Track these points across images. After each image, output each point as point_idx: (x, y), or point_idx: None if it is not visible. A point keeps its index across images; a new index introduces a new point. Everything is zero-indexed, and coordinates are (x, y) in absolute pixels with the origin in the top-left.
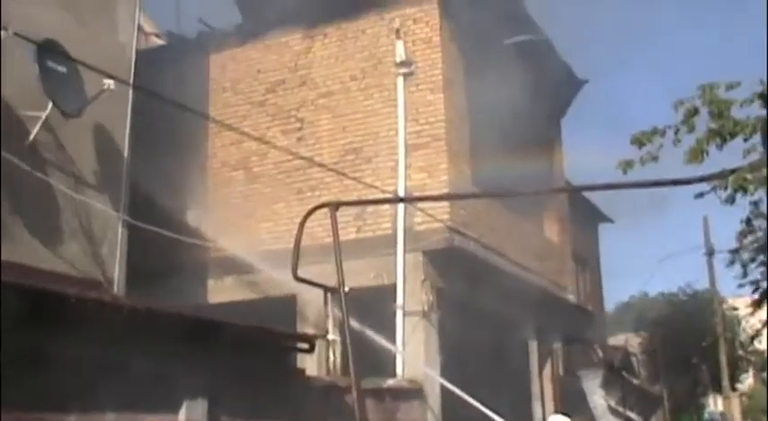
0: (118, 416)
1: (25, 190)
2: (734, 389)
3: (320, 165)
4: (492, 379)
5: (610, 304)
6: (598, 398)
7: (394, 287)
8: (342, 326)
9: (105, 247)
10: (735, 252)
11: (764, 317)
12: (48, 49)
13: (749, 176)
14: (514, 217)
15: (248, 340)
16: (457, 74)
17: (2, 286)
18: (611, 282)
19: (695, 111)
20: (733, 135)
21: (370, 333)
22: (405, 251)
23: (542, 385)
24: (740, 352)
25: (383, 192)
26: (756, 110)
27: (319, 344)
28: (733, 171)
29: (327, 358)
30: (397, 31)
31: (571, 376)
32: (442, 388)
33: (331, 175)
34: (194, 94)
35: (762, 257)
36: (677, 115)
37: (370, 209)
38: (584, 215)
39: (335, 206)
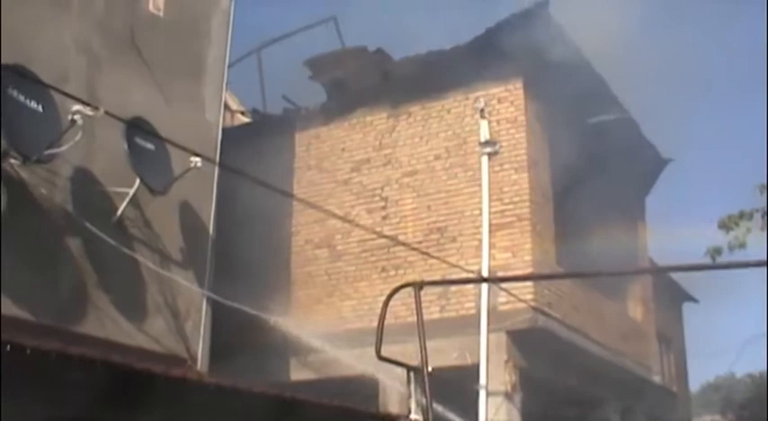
0: None
1: (112, 265)
2: None
3: (404, 244)
4: None
5: (695, 385)
6: None
7: (477, 367)
8: (424, 407)
9: (189, 323)
10: None
11: None
12: (136, 127)
13: None
14: (598, 296)
15: (332, 419)
16: (541, 153)
17: (87, 362)
18: (696, 363)
19: None
20: None
21: (452, 414)
22: (488, 331)
23: None
24: None
25: (467, 271)
26: None
27: None
28: None
29: None
30: (482, 110)
31: None
32: None
33: (415, 254)
34: (279, 172)
35: None
36: (762, 198)
37: (454, 288)
38: (668, 294)
39: (419, 286)
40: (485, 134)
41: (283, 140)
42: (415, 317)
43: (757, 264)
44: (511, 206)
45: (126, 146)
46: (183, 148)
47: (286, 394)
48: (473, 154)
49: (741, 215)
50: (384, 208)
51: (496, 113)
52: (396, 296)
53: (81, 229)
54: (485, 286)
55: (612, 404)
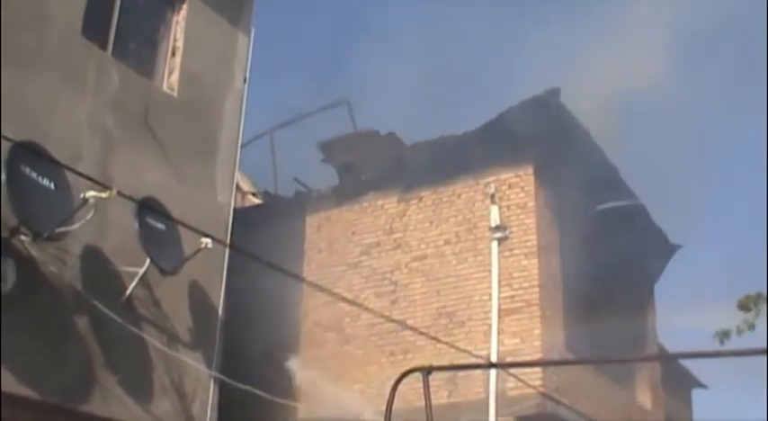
0: None
1: (119, 345)
2: None
3: (413, 328)
4: None
5: None
6: None
7: None
8: None
9: (197, 404)
10: None
11: None
12: (148, 207)
13: None
14: (607, 382)
15: None
16: (551, 239)
17: None
18: None
19: None
20: None
21: None
22: (497, 416)
23: None
24: None
25: (476, 356)
26: None
27: None
28: None
29: None
30: (492, 195)
31: None
32: None
33: (423, 339)
34: (289, 254)
35: None
36: None
37: (462, 373)
38: (677, 380)
39: (428, 371)
40: (495, 219)
41: (294, 222)
42: (424, 403)
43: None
44: (520, 291)
45: (137, 225)
46: (194, 229)
47: None
48: (483, 239)
49: (758, 296)
50: (393, 292)
51: (507, 199)
52: (404, 380)
53: (90, 308)
54: (493, 371)
55: None
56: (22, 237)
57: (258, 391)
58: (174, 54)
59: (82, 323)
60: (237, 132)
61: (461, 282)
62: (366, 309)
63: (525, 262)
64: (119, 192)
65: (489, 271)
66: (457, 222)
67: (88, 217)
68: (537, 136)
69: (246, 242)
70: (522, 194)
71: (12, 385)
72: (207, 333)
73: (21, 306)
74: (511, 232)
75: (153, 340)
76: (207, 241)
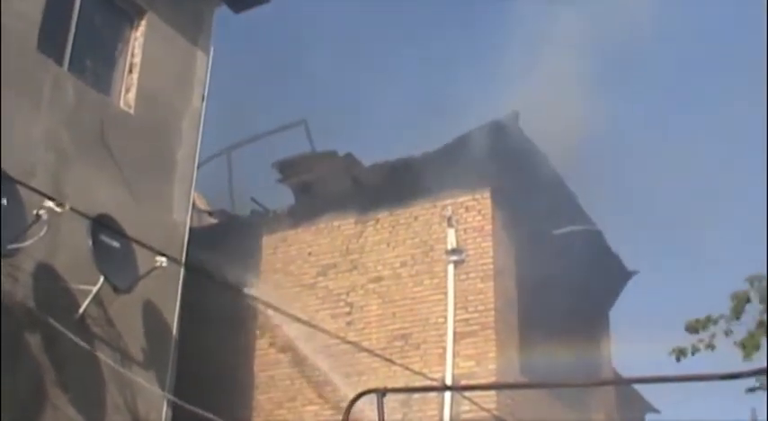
0: None
1: (72, 363)
2: None
3: (368, 350)
4: None
5: None
6: None
7: None
8: None
9: None
10: None
11: None
12: (102, 225)
13: None
14: (562, 406)
15: None
16: (507, 262)
17: None
18: None
19: (746, 301)
20: None
21: None
22: None
23: None
24: None
25: (430, 379)
26: None
27: None
28: None
29: None
30: (449, 218)
31: None
32: None
33: (378, 361)
34: (245, 274)
35: None
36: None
37: (417, 395)
38: (630, 405)
39: (382, 392)
40: (451, 242)
41: (250, 242)
42: None
43: (721, 377)
44: (476, 314)
45: (91, 243)
46: (149, 248)
47: None
48: (439, 261)
49: (708, 318)
50: (349, 313)
51: (464, 222)
52: (359, 402)
53: (42, 325)
54: (448, 394)
55: None
56: None
57: (211, 416)
58: (131, 71)
59: (34, 341)
60: (194, 151)
61: (417, 304)
62: (321, 330)
63: (481, 285)
64: (72, 208)
65: (445, 293)
66: (413, 244)
67: (41, 233)
68: (495, 159)
69: (202, 261)
70: (479, 217)
71: None
72: (160, 352)
73: None
74: (467, 255)
75: (106, 359)
76: (162, 260)
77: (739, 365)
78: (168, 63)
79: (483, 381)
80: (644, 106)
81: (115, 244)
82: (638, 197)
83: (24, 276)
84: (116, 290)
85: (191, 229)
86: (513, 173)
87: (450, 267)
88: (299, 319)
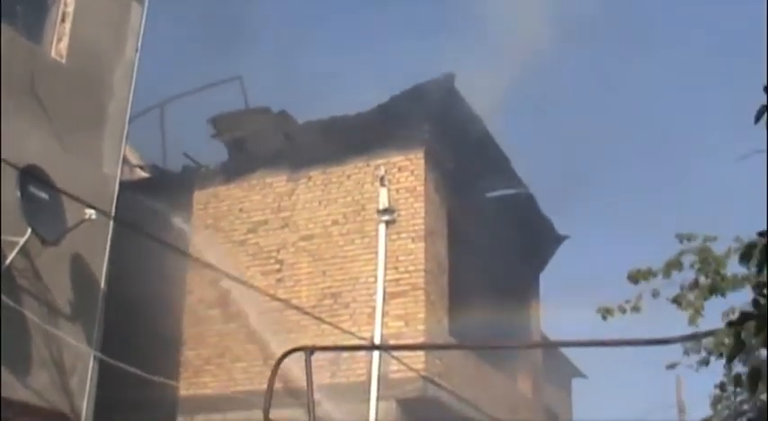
0: None
1: None
2: None
3: (297, 307)
4: None
5: None
6: None
7: None
8: None
9: (75, 379)
10: None
11: None
12: (30, 176)
13: (726, 340)
14: (489, 369)
15: None
16: (439, 224)
17: None
18: None
19: (678, 266)
20: (721, 292)
21: None
22: (378, 398)
23: None
24: None
25: (359, 338)
26: (736, 267)
27: None
28: (709, 333)
29: None
30: (382, 178)
31: None
32: None
33: (307, 319)
34: (176, 229)
35: None
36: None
37: (346, 354)
38: (558, 369)
39: (311, 350)
40: (383, 202)
41: (181, 198)
42: (305, 382)
43: (647, 343)
44: (406, 275)
45: (18, 194)
46: (78, 200)
47: None
48: (371, 221)
49: (649, 271)
50: (279, 270)
51: (396, 182)
52: (287, 360)
53: None
54: (376, 354)
55: None
56: None
57: (137, 371)
58: (63, 20)
59: None
60: (127, 103)
61: (348, 263)
62: (251, 287)
63: (412, 245)
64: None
65: (376, 253)
66: (345, 203)
67: None
68: (429, 121)
69: (132, 215)
70: (411, 178)
71: None
72: (88, 306)
73: None
74: (399, 215)
75: (32, 312)
76: (91, 212)
77: (669, 330)
78: (102, 13)
79: (412, 342)
80: (581, 70)
81: (44, 195)
82: (572, 162)
83: None
84: (44, 242)
85: (121, 183)
86: (448, 134)
87: (382, 227)
88: (228, 276)
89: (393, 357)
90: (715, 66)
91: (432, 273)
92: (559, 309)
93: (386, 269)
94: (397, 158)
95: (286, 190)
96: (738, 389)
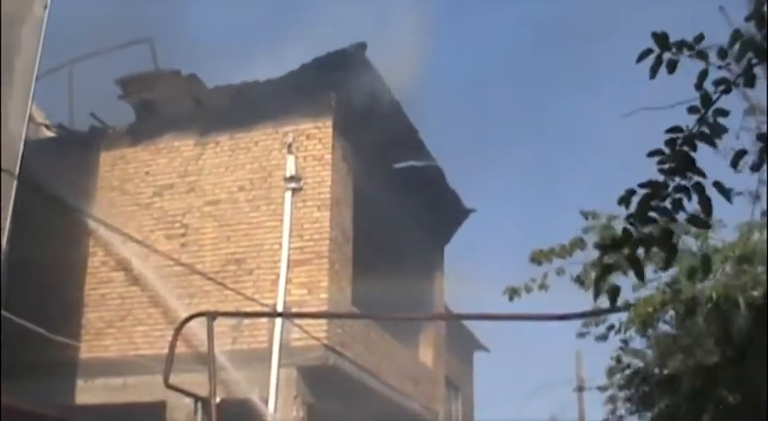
0: None
1: None
2: None
3: (200, 273)
4: None
5: None
6: None
7: (266, 401)
8: None
9: None
10: (604, 389)
11: None
12: None
13: (631, 314)
14: (391, 339)
15: None
16: (345, 193)
17: None
18: (483, 411)
19: (580, 244)
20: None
21: None
22: (279, 366)
23: None
24: None
25: (262, 305)
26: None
27: None
28: (606, 310)
29: None
30: (290, 145)
31: None
32: None
33: (211, 284)
34: (80, 190)
35: (629, 394)
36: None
37: (248, 321)
38: (460, 342)
39: (213, 316)
40: (290, 169)
41: (88, 158)
42: (207, 347)
43: (548, 318)
44: (311, 243)
45: None
46: None
47: (68, 418)
48: (277, 188)
49: (551, 250)
50: (184, 235)
51: (304, 149)
52: (189, 325)
53: None
54: (278, 321)
55: None
56: None
57: (39, 329)
58: None
59: None
60: (34, 61)
61: (253, 229)
62: (155, 250)
63: (317, 214)
64: None
65: (281, 220)
66: (252, 169)
67: None
68: (339, 89)
69: (37, 175)
70: (319, 146)
71: None
72: None
73: None
74: (305, 183)
75: None
76: None
77: (574, 307)
78: None
79: (314, 310)
80: (492, 42)
81: None
82: (482, 135)
83: None
84: None
85: (26, 142)
86: (357, 104)
87: (288, 194)
88: (132, 239)
89: (295, 325)
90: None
91: (336, 242)
92: (465, 281)
93: (291, 236)
94: (306, 126)
95: (193, 154)
96: (634, 361)
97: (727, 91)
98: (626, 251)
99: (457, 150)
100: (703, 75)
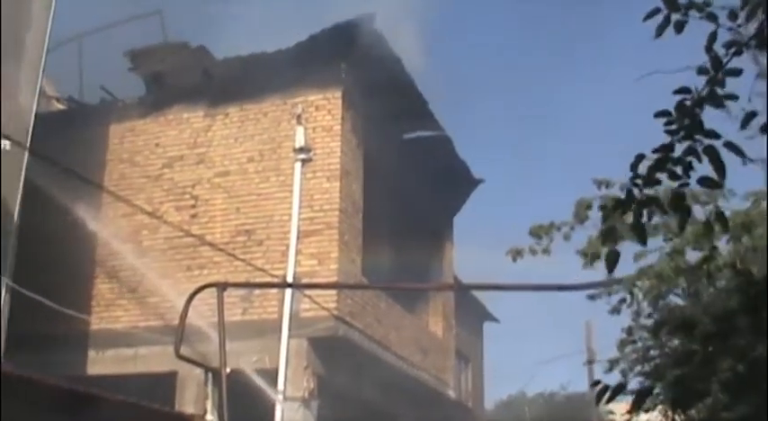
0: None
1: None
2: None
3: (210, 244)
4: None
5: (490, 403)
6: None
7: (276, 371)
8: (221, 408)
9: None
10: (615, 362)
11: None
12: None
13: (639, 283)
14: (401, 310)
15: (125, 416)
16: (354, 164)
17: None
18: (492, 381)
19: (588, 207)
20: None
21: (249, 416)
22: (289, 336)
23: None
24: None
25: (272, 275)
26: None
27: None
28: (616, 280)
29: None
30: (299, 116)
31: None
32: None
33: (221, 255)
34: (90, 162)
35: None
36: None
37: (258, 292)
38: (470, 313)
39: (223, 287)
40: (300, 140)
41: (98, 131)
42: (217, 318)
43: (558, 288)
44: (321, 214)
45: None
46: None
47: (80, 388)
48: (287, 159)
49: (551, 225)
50: (194, 206)
51: (313, 121)
52: (199, 296)
53: None
54: (289, 291)
55: (408, 416)
56: None
57: (50, 303)
58: None
59: None
60: (44, 34)
61: (262, 201)
62: (165, 222)
63: (327, 185)
64: None
65: (291, 191)
66: (262, 141)
67: None
68: (349, 60)
69: (48, 148)
70: (328, 117)
71: None
72: (0, 237)
73: None
74: (315, 154)
75: None
76: (5, 143)
77: (580, 275)
78: None
79: (324, 281)
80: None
81: None
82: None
83: None
84: None
85: (37, 114)
86: (367, 75)
87: (298, 165)
88: (142, 210)
89: (305, 296)
90: None
91: (346, 213)
92: (474, 251)
93: (300, 207)
94: (315, 97)
95: (202, 126)
96: (644, 335)
97: (737, 53)
98: (629, 214)
99: (466, 121)
100: (713, 37)
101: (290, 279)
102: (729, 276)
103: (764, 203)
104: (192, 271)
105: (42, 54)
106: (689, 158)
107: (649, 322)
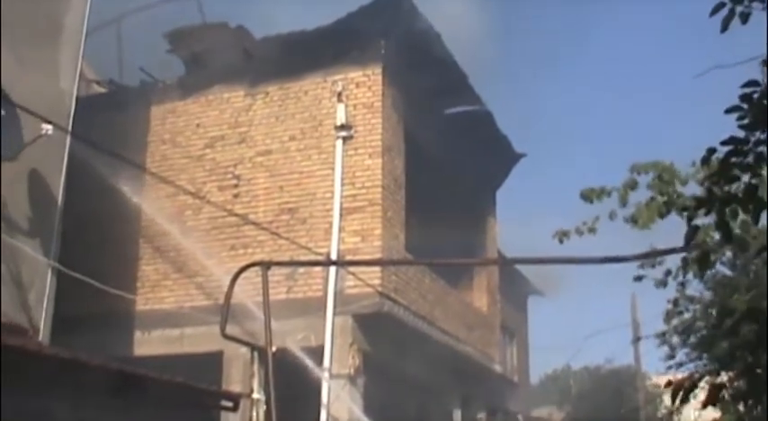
0: None
1: None
2: None
3: (254, 223)
4: None
5: (535, 377)
6: None
7: (322, 349)
8: (267, 386)
9: (33, 294)
10: (662, 335)
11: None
12: None
13: (693, 255)
14: (445, 285)
15: (172, 396)
16: (396, 140)
17: None
18: (537, 355)
19: (635, 183)
20: (677, 208)
21: (295, 394)
22: (334, 314)
23: None
24: None
25: (316, 253)
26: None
27: (244, 402)
28: (663, 252)
29: (251, 417)
30: (339, 94)
31: None
32: None
33: (264, 234)
34: (132, 145)
35: (687, 339)
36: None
37: (302, 270)
38: (514, 287)
39: (267, 265)
40: (341, 118)
41: (139, 113)
42: (262, 297)
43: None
44: (363, 191)
45: None
46: (35, 114)
47: (127, 369)
48: (328, 137)
49: (602, 189)
50: (236, 186)
51: (354, 98)
52: (244, 275)
53: None
54: (333, 269)
55: (453, 391)
56: None
57: (95, 283)
58: None
59: None
60: (83, 17)
61: (305, 178)
62: (208, 202)
63: (369, 161)
64: None
65: (333, 169)
66: (303, 119)
67: None
68: (388, 36)
69: (89, 131)
70: (369, 94)
71: None
72: (46, 221)
73: None
74: (356, 131)
75: None
76: (48, 127)
77: (627, 251)
78: None
79: (368, 258)
80: None
81: (0, 111)
82: (531, 80)
83: None
84: (1, 157)
85: (78, 98)
86: (406, 51)
87: (339, 143)
88: (185, 191)
89: (349, 273)
90: None
91: (388, 189)
92: (518, 225)
93: (343, 185)
94: (355, 74)
95: (243, 105)
96: (690, 306)
97: None
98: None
99: (508, 95)
100: None
101: (333, 256)
102: None
103: None
104: (236, 250)
105: (81, 37)
106: (760, 149)
107: (696, 294)
